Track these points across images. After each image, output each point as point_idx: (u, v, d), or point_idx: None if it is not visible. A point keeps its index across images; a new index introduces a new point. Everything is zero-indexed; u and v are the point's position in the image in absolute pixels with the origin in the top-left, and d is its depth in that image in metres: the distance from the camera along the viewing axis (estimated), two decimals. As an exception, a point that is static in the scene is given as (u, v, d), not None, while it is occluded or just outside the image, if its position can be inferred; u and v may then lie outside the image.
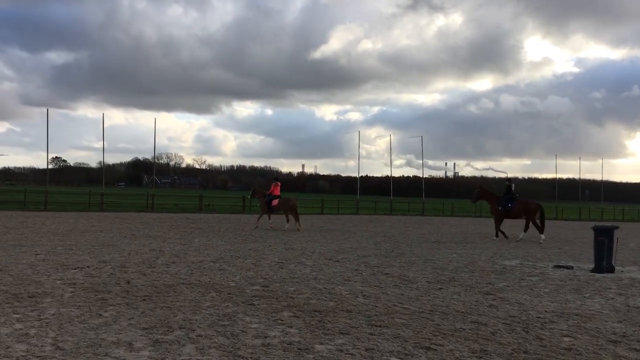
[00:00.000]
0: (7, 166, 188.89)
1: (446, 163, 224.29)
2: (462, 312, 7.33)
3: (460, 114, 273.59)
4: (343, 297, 8.03)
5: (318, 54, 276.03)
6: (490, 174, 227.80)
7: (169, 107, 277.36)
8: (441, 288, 9.15)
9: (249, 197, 24.80)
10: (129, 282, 8.59)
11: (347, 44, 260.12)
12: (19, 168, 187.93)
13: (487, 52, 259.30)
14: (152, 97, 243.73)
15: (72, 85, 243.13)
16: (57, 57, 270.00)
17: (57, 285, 8.07)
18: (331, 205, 44.93)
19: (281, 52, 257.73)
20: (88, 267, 10.02)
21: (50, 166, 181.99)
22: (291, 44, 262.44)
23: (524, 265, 12.85)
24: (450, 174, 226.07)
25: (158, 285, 8.40)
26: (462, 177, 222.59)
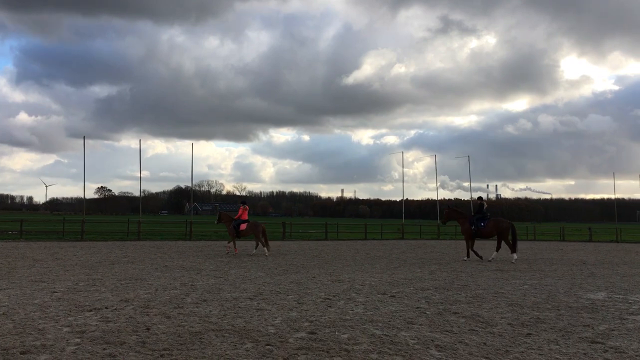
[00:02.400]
0: (55, 197, 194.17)
1: (487, 185, 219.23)
2: (574, 371, 5.56)
3: (497, 135, 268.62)
4: (411, 350, 6.35)
5: (351, 79, 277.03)
6: (529, 195, 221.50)
7: (207, 135, 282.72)
8: (530, 334, 7.34)
9: (215, 222, 23.53)
10: (148, 329, 7.12)
11: (379, 68, 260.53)
12: (67, 198, 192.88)
13: (522, 72, 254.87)
14: (192, 126, 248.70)
15: (115, 117, 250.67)
16: (100, 90, 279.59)
17: (61, 335, 6.66)
18: (374, 230, 43.04)
19: (315, 79, 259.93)
20: (106, 307, 8.63)
21: (95, 196, 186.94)
22: (325, 70, 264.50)
23: (614, 299, 10.86)
24: (492, 195, 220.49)
25: (182, 333, 6.90)
26: (505, 198, 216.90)
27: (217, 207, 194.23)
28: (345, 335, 6.98)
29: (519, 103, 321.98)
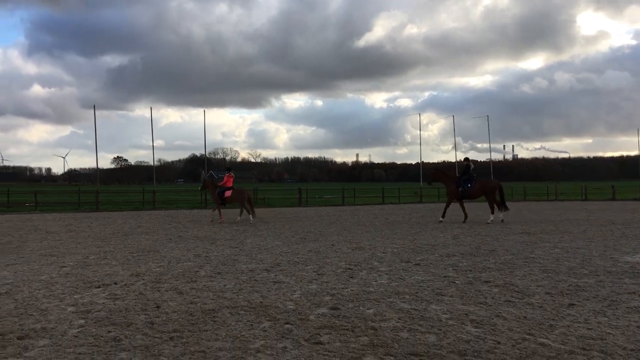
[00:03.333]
0: (72, 167, 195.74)
1: (504, 145, 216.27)
2: (634, 350, 4.93)
3: (513, 94, 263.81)
4: (445, 326, 5.76)
5: (363, 42, 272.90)
6: (545, 154, 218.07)
7: (220, 103, 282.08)
8: (572, 304, 6.71)
9: (199, 189, 23.14)
10: (158, 307, 6.62)
11: (391, 30, 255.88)
12: (84, 169, 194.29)
13: (537, 29, 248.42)
14: (204, 94, 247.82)
15: (127, 86, 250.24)
16: (111, 60, 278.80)
17: (64, 316, 6.17)
18: (392, 194, 42.42)
19: (326, 43, 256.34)
20: (115, 283, 8.15)
21: (112, 166, 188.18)
22: (336, 34, 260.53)
23: (654, 261, 10.16)
24: (509, 156, 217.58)
25: (194, 312, 6.38)
26: (522, 158, 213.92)
27: (203, 175, 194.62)
28: (371, 311, 6.41)
29: (535, 61, 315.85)
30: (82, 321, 5.96)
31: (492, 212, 19.75)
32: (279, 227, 18.07)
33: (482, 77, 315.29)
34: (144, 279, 8.49)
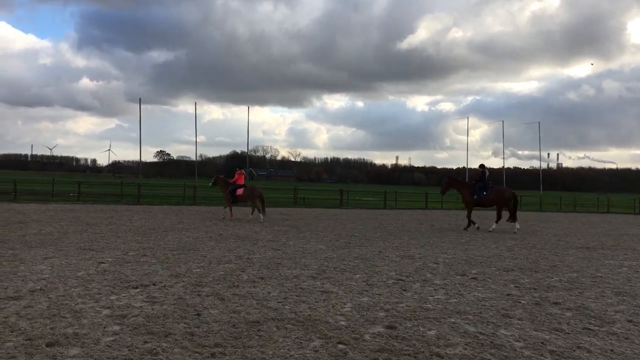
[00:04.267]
0: (117, 160, 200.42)
1: (548, 154, 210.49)
2: None
3: (558, 101, 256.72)
4: (521, 358, 5.04)
5: (405, 44, 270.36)
6: (591, 164, 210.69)
7: (262, 101, 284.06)
8: (664, 337, 5.88)
9: (210, 185, 22.50)
10: (199, 315, 6.10)
11: (435, 33, 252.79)
12: (128, 161, 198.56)
13: (585, 36, 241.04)
14: (246, 91, 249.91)
15: (172, 82, 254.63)
16: (158, 55, 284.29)
17: (99, 320, 5.71)
18: (435, 199, 41.30)
19: (369, 44, 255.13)
20: (154, 284, 7.69)
21: (155, 159, 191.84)
22: (379, 35, 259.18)
23: None
24: (553, 164, 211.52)
25: (238, 323, 5.83)
26: (567, 167, 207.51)
27: (271, 172, 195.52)
28: (432, 332, 5.73)
29: (582, 68, 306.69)
30: (117, 327, 5.48)
31: (497, 222, 19.32)
32: (322, 230, 17.48)
33: (527, 83, 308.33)
34: (183, 281, 8.02)
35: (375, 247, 13.08)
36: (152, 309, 6.30)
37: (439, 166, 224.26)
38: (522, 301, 7.46)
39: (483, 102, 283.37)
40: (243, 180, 20.95)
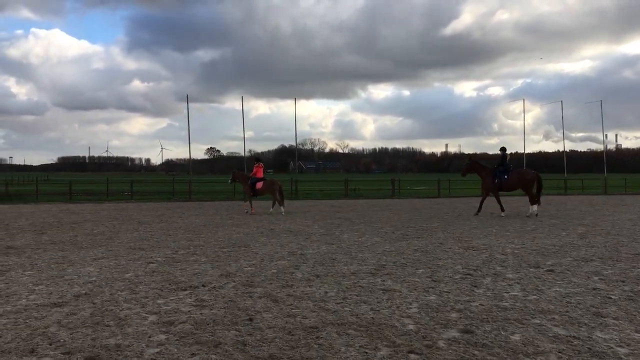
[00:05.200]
0: (169, 158, 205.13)
1: (607, 135, 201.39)
2: None
3: (613, 80, 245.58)
4: (631, 368, 4.25)
5: (449, 30, 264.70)
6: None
7: (307, 94, 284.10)
8: None
9: (229, 181, 22.19)
10: (251, 320, 5.55)
11: (479, 17, 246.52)
12: (180, 159, 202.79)
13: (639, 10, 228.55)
14: (291, 85, 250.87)
15: (218, 80, 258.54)
16: (204, 54, 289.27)
17: (144, 329, 5.24)
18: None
19: (412, 32, 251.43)
20: (203, 285, 7.22)
21: (206, 156, 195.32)
22: (422, 23, 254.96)
23: None
24: (611, 146, 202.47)
25: (293, 329, 5.24)
26: (627, 148, 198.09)
27: (320, 165, 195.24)
28: (517, 337, 4.98)
29: (638, 45, 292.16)
30: (163, 337, 4.99)
31: (532, 204, 18.59)
32: (376, 221, 16.77)
33: (580, 62, 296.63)
34: (234, 281, 7.51)
35: (435, 239, 12.30)
36: (201, 313, 5.80)
37: (490, 152, 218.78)
38: (613, 296, 6.58)
39: (533, 84, 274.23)
40: (262, 173, 20.71)
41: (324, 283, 7.38)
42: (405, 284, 7.29)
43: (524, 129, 48.26)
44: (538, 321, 5.50)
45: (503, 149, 19.49)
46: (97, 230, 14.08)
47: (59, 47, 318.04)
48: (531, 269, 8.41)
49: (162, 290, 6.92)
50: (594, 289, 7.02)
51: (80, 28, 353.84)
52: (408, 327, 5.29)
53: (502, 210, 18.88)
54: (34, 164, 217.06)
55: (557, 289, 6.97)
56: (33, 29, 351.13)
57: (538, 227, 14.79)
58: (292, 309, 6.01)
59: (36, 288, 7.05)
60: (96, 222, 16.39)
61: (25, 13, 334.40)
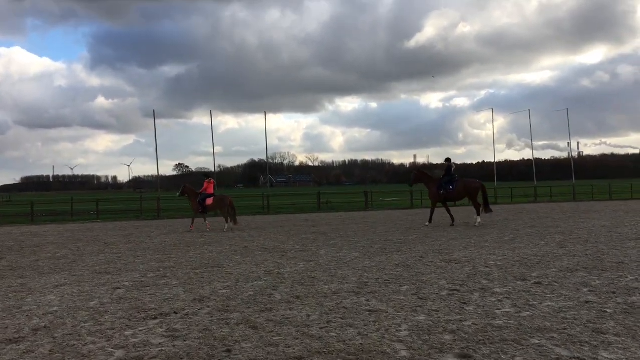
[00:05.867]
0: (137, 175, 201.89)
1: (568, 143, 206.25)
2: None
3: (573, 89, 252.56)
4: (648, 393, 3.92)
5: (413, 43, 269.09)
6: (610, 151, 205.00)
7: (275, 108, 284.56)
8: None
9: (177, 195, 21.69)
10: (229, 352, 5.07)
11: (442, 29, 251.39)
12: (148, 176, 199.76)
13: (595, 22, 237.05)
14: (260, 100, 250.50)
15: (185, 95, 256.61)
16: (170, 70, 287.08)
17: (109, 367, 4.71)
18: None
19: (378, 45, 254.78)
20: (175, 313, 6.69)
21: (174, 172, 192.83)
22: (386, 35, 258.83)
23: None
24: (575, 153, 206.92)
25: (277, 360, 4.79)
26: (589, 155, 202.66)
27: (290, 178, 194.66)
28: (519, 361, 4.62)
29: (595, 55, 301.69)
30: (131, 375, 4.47)
31: (478, 214, 18.86)
32: (352, 235, 16.39)
33: (540, 73, 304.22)
34: (209, 306, 7.01)
35: (415, 252, 11.97)
36: (174, 346, 5.29)
37: (458, 162, 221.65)
38: (608, 310, 6.30)
39: (497, 95, 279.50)
40: (212, 189, 20.25)
41: (305, 305, 6.93)
42: (391, 303, 6.90)
43: (494, 138, 49.13)
44: (537, 341, 5.16)
45: (448, 160, 19.95)
46: (60, 254, 13.34)
47: (20, 65, 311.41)
48: (518, 282, 8.12)
49: (130, 320, 6.37)
50: (587, 302, 6.74)
51: (42, 46, 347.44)
52: (401, 354, 4.89)
53: (452, 220, 19.09)
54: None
55: (549, 304, 6.67)
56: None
57: (516, 237, 14.63)
58: (273, 336, 5.55)
59: (-10, 322, 6.42)
60: (59, 245, 15.60)
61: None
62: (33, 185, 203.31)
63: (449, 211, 19.60)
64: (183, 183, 22.23)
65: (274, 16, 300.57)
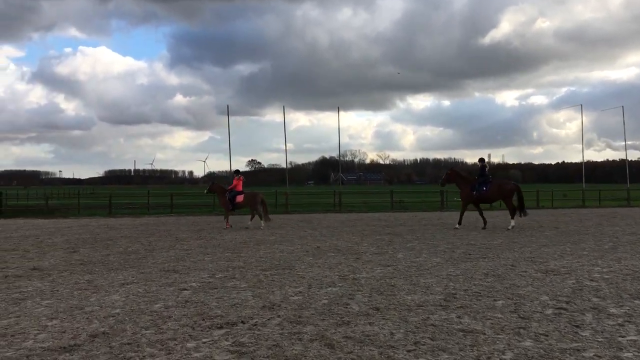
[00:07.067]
0: (212, 171, 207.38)
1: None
2: None
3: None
4: None
5: (488, 39, 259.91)
6: None
7: (346, 106, 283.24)
8: None
9: (205, 192, 21.18)
10: (302, 377, 4.33)
11: (518, 25, 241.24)
12: (222, 171, 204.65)
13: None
14: (330, 97, 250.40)
15: (258, 93, 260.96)
16: (244, 68, 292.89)
17: (166, 389, 4.08)
18: (545, 197, 37.69)
19: (451, 42, 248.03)
20: (242, 322, 6.04)
21: (247, 168, 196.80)
22: (461, 32, 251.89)
23: None
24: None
25: (359, 393, 3.99)
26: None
27: (361, 176, 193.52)
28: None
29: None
30: (189, 403, 3.81)
31: (512, 217, 17.91)
32: (430, 237, 15.35)
33: (626, 69, 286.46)
34: (279, 315, 6.32)
35: (504, 259, 10.84)
36: (240, 364, 4.62)
37: (535, 162, 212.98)
38: None
39: (578, 92, 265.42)
40: (241, 186, 19.67)
41: (387, 319, 6.10)
42: (487, 322, 5.94)
43: (582, 137, 45.17)
44: (687, 385, 4.09)
45: (482, 160, 19.27)
46: (132, 248, 13.17)
47: (105, 64, 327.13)
48: (636, 301, 6.93)
49: (193, 329, 5.78)
50: None
51: (125, 45, 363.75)
52: (512, 393, 3.97)
53: (485, 222, 18.21)
54: (82, 178, 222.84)
55: (686, 332, 5.50)
56: (81, 47, 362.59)
57: (617, 245, 13.11)
58: (352, 358, 4.76)
59: (49, 324, 6.02)
60: (132, 239, 15.53)
61: (74, 32, 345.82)
62: (115, 178, 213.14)
63: (481, 213, 18.56)
64: (211, 180, 22.05)
65: (345, 15, 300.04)
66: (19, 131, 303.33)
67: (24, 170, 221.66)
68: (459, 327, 5.77)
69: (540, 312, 6.39)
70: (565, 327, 5.75)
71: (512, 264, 10.14)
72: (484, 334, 5.50)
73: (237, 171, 20.48)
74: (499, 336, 5.42)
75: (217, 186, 20.61)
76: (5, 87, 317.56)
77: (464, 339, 5.32)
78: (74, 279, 8.96)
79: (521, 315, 6.24)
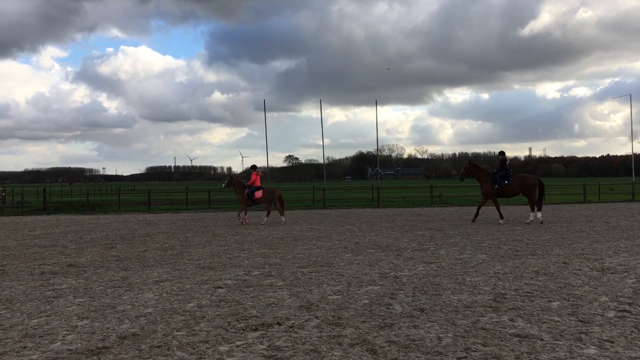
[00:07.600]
0: (249, 166, 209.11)
1: None
2: None
3: None
4: None
5: (527, 30, 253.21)
6: None
7: (383, 100, 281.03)
8: None
9: (223, 186, 20.63)
10: (342, 387, 3.96)
11: (559, 15, 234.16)
12: (260, 167, 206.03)
13: None
14: (367, 92, 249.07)
15: (295, 89, 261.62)
16: (280, 64, 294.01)
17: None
18: (593, 192, 36.29)
19: (490, 34, 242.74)
20: (279, 324, 5.71)
21: (285, 164, 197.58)
22: (498, 24, 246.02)
23: None
24: None
25: (406, 408, 3.59)
26: None
27: (398, 171, 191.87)
28: None
29: None
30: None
31: (532, 211, 17.67)
32: (473, 233, 14.76)
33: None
34: (317, 316, 5.96)
35: (554, 256, 10.22)
36: (275, 372, 4.28)
37: (578, 155, 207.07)
38: None
39: (622, 83, 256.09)
40: (259, 182, 19.40)
41: (433, 322, 5.67)
42: (543, 326, 5.45)
43: (632, 128, 43.00)
44: None
45: (502, 153, 18.57)
46: (168, 244, 13.05)
47: (145, 63, 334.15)
48: None
49: (227, 330, 5.47)
50: None
51: (164, 44, 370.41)
52: (581, 411, 3.50)
53: (501, 217, 17.81)
54: (124, 174, 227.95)
55: None
56: (122, 47, 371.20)
57: (676, 241, 12.28)
58: (397, 366, 4.37)
59: (79, 324, 5.81)
60: (169, 235, 15.46)
61: (115, 32, 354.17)
62: (156, 175, 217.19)
63: (498, 208, 18.02)
64: (229, 174, 21.88)
65: (381, 9, 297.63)
66: (65, 129, 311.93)
67: (69, 168, 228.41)
68: (512, 331, 5.30)
69: (602, 315, 5.85)
70: (632, 332, 5.22)
71: (564, 262, 9.53)
72: (542, 339, 5.02)
73: (253, 166, 20.22)
74: (558, 342, 4.93)
75: (235, 180, 20.35)
76: (51, 87, 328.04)
77: (520, 345, 4.85)
78: (108, 275, 8.82)
79: (580, 319, 5.72)
